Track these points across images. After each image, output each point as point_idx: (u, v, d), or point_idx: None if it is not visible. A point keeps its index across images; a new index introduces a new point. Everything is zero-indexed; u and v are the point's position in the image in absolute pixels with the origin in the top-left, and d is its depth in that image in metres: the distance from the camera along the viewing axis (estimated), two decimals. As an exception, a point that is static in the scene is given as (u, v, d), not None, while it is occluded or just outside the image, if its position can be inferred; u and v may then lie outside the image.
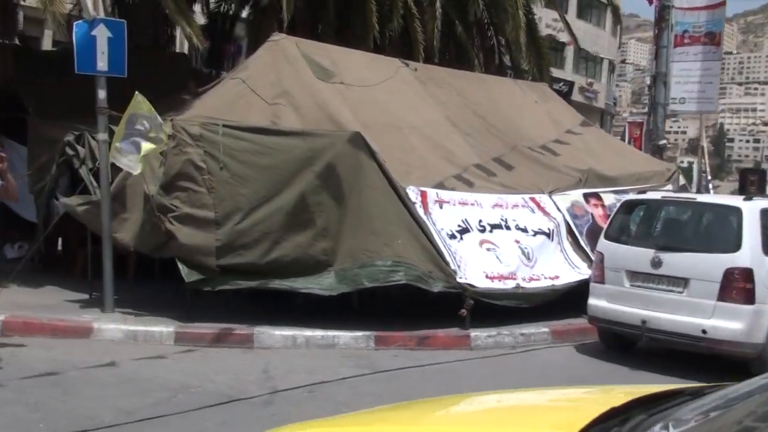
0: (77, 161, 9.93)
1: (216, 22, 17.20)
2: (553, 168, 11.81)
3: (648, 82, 20.06)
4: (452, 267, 9.15)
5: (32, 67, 12.49)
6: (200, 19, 16.79)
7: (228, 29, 17.36)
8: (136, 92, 8.49)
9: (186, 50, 17.00)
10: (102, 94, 8.53)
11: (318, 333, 8.56)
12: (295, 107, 10.14)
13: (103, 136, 8.55)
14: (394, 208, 9.02)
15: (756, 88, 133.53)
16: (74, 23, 8.78)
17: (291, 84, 10.51)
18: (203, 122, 8.78)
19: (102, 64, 8.47)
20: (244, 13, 16.79)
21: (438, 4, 14.11)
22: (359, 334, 8.62)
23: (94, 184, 9.75)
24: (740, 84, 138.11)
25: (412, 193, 9.54)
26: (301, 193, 8.72)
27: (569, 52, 45.74)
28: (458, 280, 9.11)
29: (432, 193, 9.84)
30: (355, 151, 8.98)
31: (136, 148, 8.36)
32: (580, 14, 46.99)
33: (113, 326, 8.46)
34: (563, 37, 35.08)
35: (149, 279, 11.12)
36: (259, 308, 9.27)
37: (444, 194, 9.97)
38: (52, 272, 11.58)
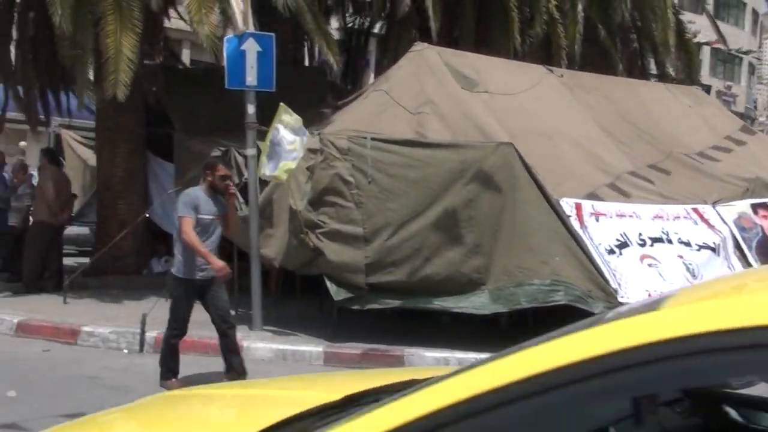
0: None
1: (351, 36, 17.08)
2: (715, 176, 10.92)
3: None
4: (612, 285, 8.49)
5: (178, 84, 12.63)
6: (335, 33, 16.75)
7: (362, 44, 17.22)
8: (281, 104, 8.29)
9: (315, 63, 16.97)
10: (251, 109, 8.38)
11: (471, 355, 8.07)
12: (441, 117, 9.73)
13: (251, 151, 8.40)
14: (550, 223, 8.45)
15: None
16: (225, 39, 8.67)
17: (435, 94, 10.12)
18: (351, 136, 8.50)
19: (251, 78, 8.32)
20: (376, 28, 16.62)
21: (580, 8, 13.41)
22: (514, 356, 8.11)
23: (240, 199, 9.65)
24: None
25: (567, 206, 8.94)
26: (452, 208, 8.29)
27: (705, 55, 43.63)
28: (619, 299, 8.44)
29: (587, 205, 9.21)
30: (508, 162, 8.48)
31: (279, 160, 8.16)
32: (717, 14, 44.78)
33: (262, 345, 8.27)
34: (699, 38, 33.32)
35: (291, 296, 10.96)
36: (405, 327, 8.90)
37: (600, 206, 9.31)
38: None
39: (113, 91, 9.64)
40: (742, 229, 10.13)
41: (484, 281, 8.30)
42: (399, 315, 8.97)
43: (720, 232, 9.88)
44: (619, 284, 8.54)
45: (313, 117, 11.36)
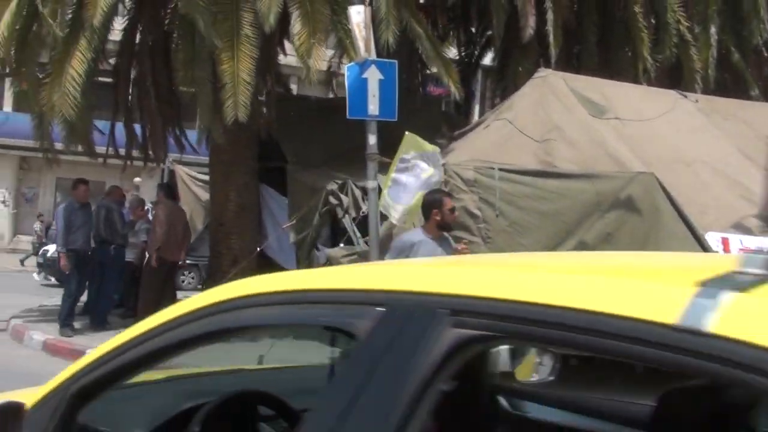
0: (340, 210, 9.47)
1: (461, 67, 16.67)
2: None
3: None
4: None
5: (290, 116, 12.42)
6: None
7: (472, 75, 16.74)
8: (407, 132, 7.85)
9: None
10: (372, 139, 7.95)
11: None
12: (569, 145, 9.08)
13: (372, 183, 7.96)
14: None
15: None
16: (346, 67, 8.30)
17: (562, 121, 9.48)
18: (477, 166, 7.96)
19: (373, 107, 7.90)
20: (486, 59, 16.15)
21: (713, 30, 12.55)
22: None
23: (357, 234, 9.23)
24: None
25: (712, 241, 8.13)
26: (588, 243, 7.62)
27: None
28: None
29: (735, 241, 8.36)
30: (649, 193, 7.77)
31: (407, 196, 7.70)
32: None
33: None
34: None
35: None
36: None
37: (750, 241, 8.45)
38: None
39: (234, 114, 9.44)
40: None
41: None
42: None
43: None
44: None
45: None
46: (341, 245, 9.19)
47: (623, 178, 7.83)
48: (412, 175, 7.66)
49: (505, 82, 12.87)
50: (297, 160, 11.93)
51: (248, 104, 9.78)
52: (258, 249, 12.06)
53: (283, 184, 12.19)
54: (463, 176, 7.81)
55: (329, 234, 11.04)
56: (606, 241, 7.61)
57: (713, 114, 10.92)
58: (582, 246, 7.60)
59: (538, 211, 7.68)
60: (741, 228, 8.71)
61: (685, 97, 11.02)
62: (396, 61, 8.19)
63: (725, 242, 8.25)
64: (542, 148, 9.04)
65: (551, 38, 11.40)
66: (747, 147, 10.46)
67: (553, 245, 7.62)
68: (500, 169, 7.85)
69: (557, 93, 9.97)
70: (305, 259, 10.49)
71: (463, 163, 8.13)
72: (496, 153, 8.92)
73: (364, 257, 8.61)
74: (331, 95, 16.18)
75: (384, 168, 8.10)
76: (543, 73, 10.25)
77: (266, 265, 11.86)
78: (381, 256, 8.37)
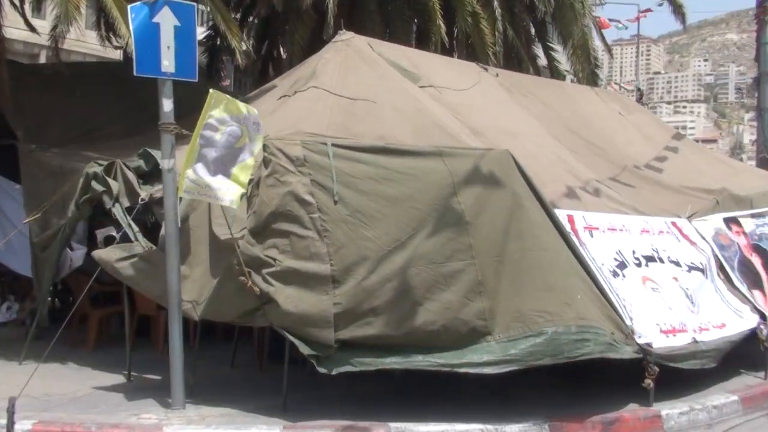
0: (108, 199, 7.13)
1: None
2: (677, 189, 9.45)
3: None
4: (626, 321, 6.67)
5: (22, 83, 9.63)
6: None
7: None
8: (212, 90, 5.80)
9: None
10: (168, 105, 5.79)
11: (475, 426, 5.97)
12: (396, 111, 7.63)
13: (168, 162, 5.81)
14: (561, 249, 6.49)
15: (685, 107, 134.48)
16: (129, 6, 6.01)
17: (380, 89, 7.95)
18: (306, 141, 6.14)
19: (168, 63, 5.74)
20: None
21: (495, 4, 11.73)
22: (529, 424, 6.07)
23: (134, 228, 7.00)
24: (669, 103, 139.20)
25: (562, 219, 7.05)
26: (445, 234, 6.12)
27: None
28: (637, 340, 6.64)
29: (579, 218, 7.32)
30: (506, 174, 6.45)
31: (224, 170, 5.69)
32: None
33: (194, 434, 5.71)
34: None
35: (206, 343, 8.30)
36: (383, 392, 6.66)
37: (592, 218, 7.45)
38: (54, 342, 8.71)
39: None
40: (721, 248, 8.67)
41: (490, 330, 6.11)
42: (375, 374, 6.61)
43: (703, 250, 8.37)
44: (630, 318, 6.70)
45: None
46: (116, 244, 6.89)
47: (477, 156, 6.42)
48: (223, 144, 5.68)
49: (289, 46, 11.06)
50: (31, 137, 9.24)
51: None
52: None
53: (10, 167, 9.43)
54: (290, 153, 5.95)
55: (85, 230, 8.59)
56: (464, 232, 6.16)
57: (513, 89, 10.03)
58: (439, 238, 6.11)
59: (384, 196, 6.03)
60: (578, 204, 7.79)
61: (486, 70, 10.01)
62: (195, 5, 6.07)
63: (570, 219, 7.20)
64: (364, 110, 7.46)
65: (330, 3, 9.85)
66: (550, 128, 9.66)
67: (406, 237, 6.02)
68: (334, 145, 6.10)
69: (365, 58, 8.44)
70: (52, 262, 7.98)
71: (285, 137, 6.27)
72: (312, 122, 7.18)
73: (147, 260, 6.47)
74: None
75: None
76: (345, 36, 8.63)
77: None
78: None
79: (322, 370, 5.91)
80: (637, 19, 28.62)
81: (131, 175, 7.11)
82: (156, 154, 7.21)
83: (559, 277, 6.27)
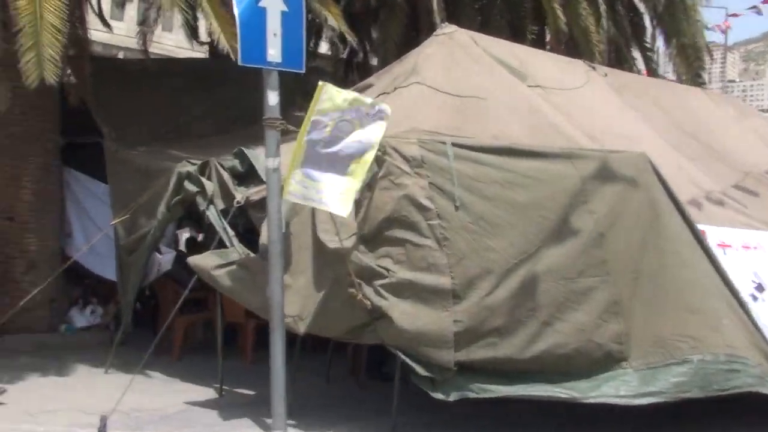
0: (202, 200, 6.65)
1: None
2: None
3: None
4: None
5: (108, 80, 9.25)
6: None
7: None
8: (321, 82, 5.24)
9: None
10: (273, 98, 5.25)
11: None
12: (510, 110, 6.97)
13: (273, 162, 5.28)
14: (705, 267, 5.74)
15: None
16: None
17: (489, 86, 7.30)
18: (423, 139, 5.55)
19: (274, 52, 5.20)
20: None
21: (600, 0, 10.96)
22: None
23: (230, 232, 6.49)
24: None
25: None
26: (576, 247, 5.45)
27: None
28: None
29: (712, 233, 6.56)
30: (643, 179, 5.73)
31: (335, 170, 5.11)
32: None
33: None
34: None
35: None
36: (499, 413, 6.01)
37: (725, 234, 6.66)
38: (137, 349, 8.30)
39: (38, 73, 6.37)
40: None
41: (626, 355, 5.41)
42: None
43: None
44: (769, 343, 5.92)
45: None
46: (211, 250, 6.39)
47: (609, 159, 5.73)
48: (335, 140, 5.11)
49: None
50: (117, 135, 8.87)
51: (58, 60, 6.72)
52: (61, 251, 8.87)
53: (96, 166, 9.08)
54: (406, 153, 5.36)
55: (173, 233, 8.16)
56: (598, 245, 5.48)
57: (623, 90, 9.23)
58: (571, 250, 5.44)
59: (510, 203, 5.39)
60: (703, 217, 6.99)
61: (594, 69, 9.27)
62: (303, -13, 5.50)
63: (702, 235, 6.46)
64: (474, 108, 6.81)
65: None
66: (667, 132, 8.85)
67: (533, 249, 5.38)
68: (455, 145, 5.48)
69: (471, 53, 7.78)
70: (140, 267, 7.55)
71: (400, 135, 5.67)
72: (418, 121, 6.56)
73: (246, 268, 5.94)
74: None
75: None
76: (448, 29, 8.00)
77: (72, 271, 8.73)
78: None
79: (437, 395, 5.29)
80: (727, 25, 27.10)
81: (227, 176, 6.61)
82: (251, 154, 6.73)
83: (703, 298, 5.53)
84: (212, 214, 6.53)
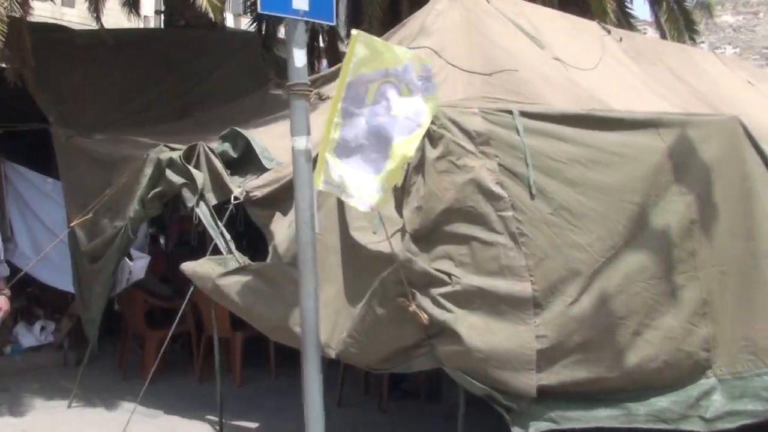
0: (191, 194, 5.42)
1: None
2: None
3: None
4: None
5: (53, 54, 7.83)
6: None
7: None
8: (355, 31, 4.02)
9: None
10: (300, 58, 4.08)
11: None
12: (546, 82, 5.91)
13: (303, 141, 4.11)
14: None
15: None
16: None
17: (517, 53, 6.26)
18: (485, 108, 4.45)
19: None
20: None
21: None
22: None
23: (226, 236, 5.29)
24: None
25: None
26: (665, 237, 4.46)
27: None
28: None
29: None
30: (737, 150, 4.77)
31: (381, 152, 3.93)
32: None
33: None
34: None
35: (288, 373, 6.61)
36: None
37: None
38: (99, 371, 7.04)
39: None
40: None
41: (711, 362, 4.51)
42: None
43: None
44: None
45: (258, 109, 7.21)
46: (208, 256, 5.16)
47: (702, 125, 4.74)
48: (375, 113, 3.93)
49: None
50: (66, 120, 7.52)
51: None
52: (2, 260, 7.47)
53: (41, 157, 7.74)
54: (468, 127, 4.25)
55: (147, 234, 6.89)
56: (689, 235, 4.51)
57: (639, 58, 8.30)
58: (659, 242, 4.44)
59: (595, 187, 4.34)
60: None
61: (609, 33, 8.31)
62: None
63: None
64: (506, 79, 5.73)
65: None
66: (690, 103, 7.97)
67: (621, 243, 4.36)
68: (524, 114, 4.41)
69: (488, 12, 6.73)
70: (107, 275, 6.27)
71: (459, 104, 4.55)
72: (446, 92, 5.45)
73: (262, 276, 4.77)
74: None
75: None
76: (457, -20, 6.88)
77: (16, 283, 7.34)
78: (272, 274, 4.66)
79: (516, 430, 4.22)
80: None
81: (219, 164, 5.40)
82: (249, 135, 5.54)
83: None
84: (203, 213, 5.31)
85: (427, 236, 4.27)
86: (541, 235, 4.23)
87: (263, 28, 10.87)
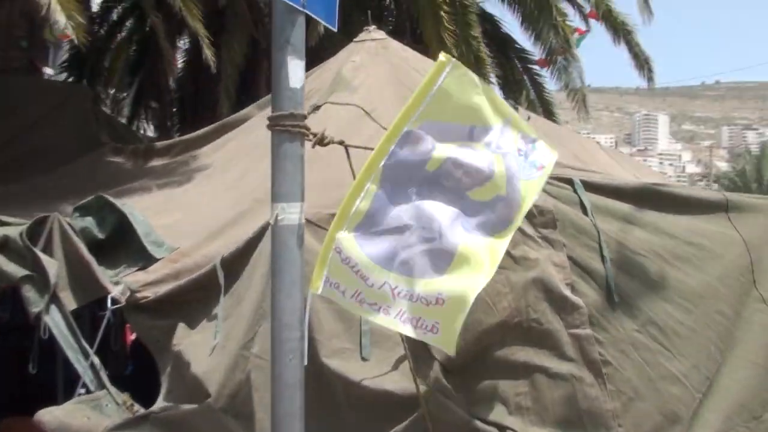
0: (37, 296, 3.45)
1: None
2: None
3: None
4: None
5: None
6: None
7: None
8: (444, 55, 2.41)
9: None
10: (297, 73, 2.41)
11: None
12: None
13: (294, 210, 2.34)
14: None
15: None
16: None
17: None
18: (553, 175, 3.03)
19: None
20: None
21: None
22: None
23: (96, 362, 3.37)
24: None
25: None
26: (755, 361, 3.24)
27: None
28: None
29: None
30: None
31: (442, 239, 2.30)
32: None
33: None
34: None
35: None
36: None
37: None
38: None
39: None
40: None
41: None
42: None
43: None
44: None
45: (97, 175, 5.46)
46: (76, 397, 3.21)
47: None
48: (441, 189, 2.39)
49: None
50: None
51: None
52: None
53: None
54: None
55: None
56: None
57: (546, 139, 7.45)
58: (751, 371, 3.23)
59: (681, 291, 3.06)
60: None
61: (517, 110, 7.36)
62: None
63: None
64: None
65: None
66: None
67: (713, 371, 3.09)
68: (585, 183, 3.07)
69: (416, 69, 5.45)
70: None
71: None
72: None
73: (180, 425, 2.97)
74: None
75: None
76: (378, 35, 5.56)
77: None
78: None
79: None
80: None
81: (83, 248, 3.53)
82: (126, 208, 3.76)
83: None
84: (56, 325, 3.39)
85: (465, 366, 2.74)
86: (628, 363, 2.86)
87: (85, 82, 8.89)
